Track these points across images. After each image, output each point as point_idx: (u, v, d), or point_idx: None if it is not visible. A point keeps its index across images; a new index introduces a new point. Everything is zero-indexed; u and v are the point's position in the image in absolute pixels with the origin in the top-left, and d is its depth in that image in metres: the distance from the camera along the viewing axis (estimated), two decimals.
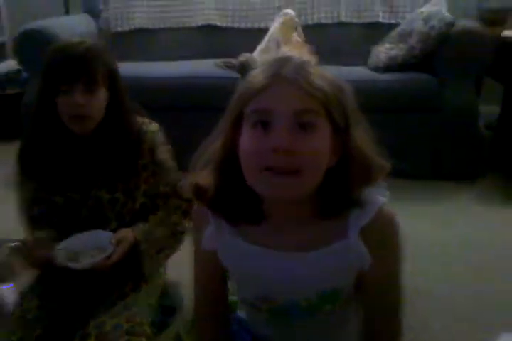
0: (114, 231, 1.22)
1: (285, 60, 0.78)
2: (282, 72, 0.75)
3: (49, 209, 1.25)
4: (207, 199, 0.83)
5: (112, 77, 1.20)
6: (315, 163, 0.74)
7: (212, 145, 0.82)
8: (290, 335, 0.95)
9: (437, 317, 1.35)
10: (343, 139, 0.77)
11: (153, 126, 1.29)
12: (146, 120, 1.30)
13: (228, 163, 0.79)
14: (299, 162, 0.72)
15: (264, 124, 0.74)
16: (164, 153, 1.29)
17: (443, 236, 1.81)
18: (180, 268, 1.54)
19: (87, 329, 1.13)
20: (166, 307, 1.33)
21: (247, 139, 0.75)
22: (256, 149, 0.74)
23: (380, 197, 0.82)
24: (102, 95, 1.17)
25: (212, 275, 0.95)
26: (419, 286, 1.45)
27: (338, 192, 0.78)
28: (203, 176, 0.82)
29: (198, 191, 0.83)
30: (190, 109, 2.40)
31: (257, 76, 0.77)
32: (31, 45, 2.34)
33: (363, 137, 0.79)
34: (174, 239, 1.30)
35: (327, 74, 0.78)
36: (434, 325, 1.32)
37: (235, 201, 0.81)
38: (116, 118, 1.21)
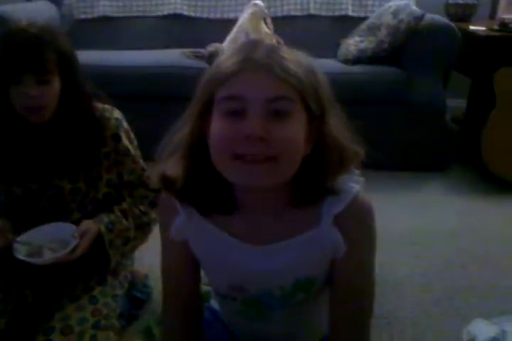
0: (76, 222, 1.17)
1: (256, 44, 0.75)
2: (254, 56, 0.71)
3: (7, 200, 1.19)
4: (175, 190, 0.79)
5: (66, 62, 1.12)
6: (290, 150, 0.71)
7: (179, 133, 0.78)
8: (263, 325, 0.93)
9: (409, 305, 1.36)
10: (317, 127, 0.75)
11: (117, 113, 1.24)
12: (109, 106, 1.24)
13: (197, 151, 0.76)
14: (273, 149, 0.70)
15: (235, 111, 0.70)
16: (128, 140, 1.24)
17: (413, 225, 1.83)
18: (149, 259, 1.52)
19: (52, 323, 1.09)
20: (135, 300, 1.29)
21: (218, 127, 0.72)
22: (228, 137, 0.70)
23: (354, 184, 0.80)
24: (55, 84, 1.10)
25: (183, 265, 0.91)
26: (390, 275, 1.46)
27: (312, 181, 0.76)
28: (171, 165, 0.79)
29: (166, 181, 0.79)
30: (158, 98, 2.34)
31: (226, 60, 0.73)
32: None
33: (338, 124, 0.77)
34: (141, 230, 1.26)
35: (301, 59, 0.74)
36: (406, 314, 1.32)
37: (205, 190, 0.78)
38: (73, 105, 1.14)
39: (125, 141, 1.22)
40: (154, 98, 2.35)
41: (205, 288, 1.24)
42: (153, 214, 1.26)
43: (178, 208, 0.83)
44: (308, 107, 0.73)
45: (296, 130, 0.72)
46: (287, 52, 0.74)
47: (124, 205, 1.23)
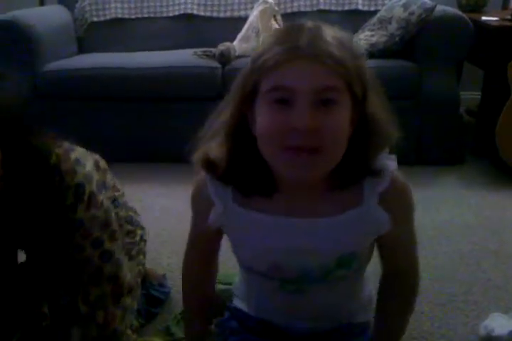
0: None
1: (299, 30, 0.73)
2: (298, 45, 0.70)
3: None
4: (218, 172, 0.81)
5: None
6: (337, 139, 0.72)
7: (221, 117, 0.79)
8: (299, 302, 0.94)
9: (426, 300, 1.36)
10: (360, 108, 0.75)
11: (80, 176, 0.97)
12: (71, 163, 0.97)
13: (239, 134, 0.77)
14: (321, 139, 0.70)
15: (282, 100, 0.71)
16: (88, 209, 1.00)
17: (428, 220, 1.82)
18: (167, 259, 1.55)
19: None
20: (153, 299, 1.31)
21: (266, 117, 0.72)
22: (276, 128, 0.71)
23: (390, 162, 0.82)
24: None
25: (206, 258, 0.98)
26: None
27: (355, 161, 0.77)
28: (213, 148, 0.80)
29: (209, 164, 0.81)
30: (171, 99, 2.36)
31: (270, 49, 0.71)
32: (6, 36, 2.29)
33: (378, 104, 0.78)
34: None
35: (343, 40, 0.74)
36: (422, 308, 1.32)
37: (247, 173, 0.79)
38: (22, 171, 0.93)
39: (81, 213, 0.99)
40: (167, 99, 2.37)
41: (222, 287, 1.26)
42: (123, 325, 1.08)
43: (212, 199, 0.85)
44: (353, 93, 0.73)
45: (342, 118, 0.72)
46: (330, 33, 0.73)
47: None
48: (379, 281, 0.96)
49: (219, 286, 1.29)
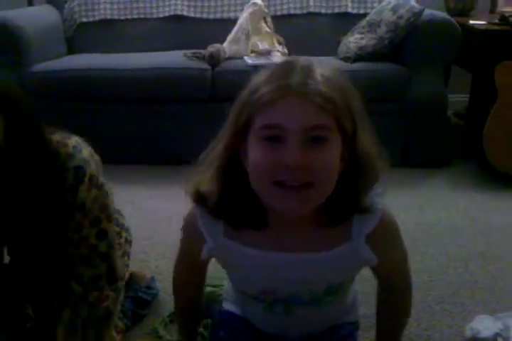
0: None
1: (291, 67, 0.76)
2: (290, 84, 0.73)
3: None
4: (209, 206, 0.83)
5: (9, 108, 0.95)
6: (327, 175, 0.74)
7: (214, 150, 0.81)
8: (288, 321, 0.97)
9: (414, 302, 1.36)
10: (350, 144, 0.77)
11: (79, 159, 1.02)
12: (70, 148, 1.02)
13: (231, 168, 0.79)
14: (311, 175, 0.73)
15: (274, 137, 0.73)
16: (87, 192, 1.03)
17: (416, 222, 1.83)
18: (154, 262, 1.54)
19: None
20: (140, 301, 1.31)
21: (257, 153, 0.74)
22: (268, 165, 0.73)
23: (378, 199, 0.83)
24: None
25: (196, 274, 1.01)
26: None
27: (345, 198, 0.79)
28: (205, 181, 0.82)
29: (200, 197, 0.83)
30: (161, 100, 2.35)
31: (262, 86, 0.75)
32: None
33: (368, 140, 0.79)
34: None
35: (333, 77, 0.76)
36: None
37: (238, 207, 0.81)
38: (23, 145, 0.97)
39: (82, 194, 1.02)
40: (157, 100, 2.36)
41: (209, 289, 1.26)
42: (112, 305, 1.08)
43: (203, 234, 0.87)
44: (344, 130, 0.75)
45: (332, 155, 0.75)
46: (321, 71, 0.76)
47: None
48: (376, 294, 1.01)
49: (206, 288, 1.29)
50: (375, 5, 2.59)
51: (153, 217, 1.87)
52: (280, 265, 0.85)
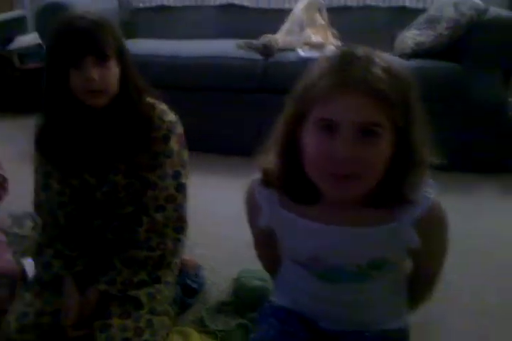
0: (128, 215, 1.21)
1: (351, 58, 0.78)
2: (349, 78, 0.75)
3: (63, 188, 1.21)
4: (272, 181, 0.90)
5: (122, 52, 1.15)
6: (376, 167, 0.79)
7: (275, 132, 0.87)
8: (333, 295, 0.99)
9: (462, 311, 1.34)
10: (402, 138, 0.79)
11: (172, 116, 1.23)
12: (164, 108, 1.23)
13: (289, 149, 0.85)
14: (359, 168, 0.77)
15: (329, 126, 0.77)
16: (177, 145, 1.22)
17: (468, 230, 1.75)
18: (199, 250, 1.56)
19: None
20: (188, 289, 1.33)
21: (313, 142, 0.80)
22: (322, 155, 0.79)
23: (429, 189, 0.86)
24: (114, 69, 1.12)
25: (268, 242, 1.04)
26: (446, 279, 1.44)
27: (391, 188, 0.82)
28: (269, 159, 0.89)
29: (265, 173, 0.91)
30: (213, 89, 2.37)
31: (321, 77, 0.77)
32: (53, 19, 2.31)
33: (421, 134, 0.81)
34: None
35: (392, 69, 0.78)
36: (456, 320, 1.31)
37: (296, 184, 0.87)
38: (131, 93, 1.16)
39: (173, 144, 1.21)
40: (207, 88, 2.38)
41: (259, 283, 1.27)
42: (170, 244, 1.22)
43: (259, 203, 0.94)
44: (396, 123, 0.78)
45: (382, 150, 0.78)
46: (380, 64, 0.77)
47: (142, 235, 1.19)
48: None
49: (255, 282, 1.30)
50: (434, 0, 2.53)
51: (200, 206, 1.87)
52: (328, 235, 0.91)
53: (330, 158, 0.77)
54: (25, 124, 2.41)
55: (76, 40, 1.08)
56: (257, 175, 0.94)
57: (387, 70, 0.77)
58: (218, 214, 1.77)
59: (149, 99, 1.22)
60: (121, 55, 1.15)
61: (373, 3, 2.67)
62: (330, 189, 0.82)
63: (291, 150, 0.85)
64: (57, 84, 1.12)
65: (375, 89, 0.74)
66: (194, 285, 1.35)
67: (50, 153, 1.20)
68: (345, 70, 0.76)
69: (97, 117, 1.16)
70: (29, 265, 1.31)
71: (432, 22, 2.28)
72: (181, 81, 2.34)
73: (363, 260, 0.92)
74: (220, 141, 2.42)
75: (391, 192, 0.83)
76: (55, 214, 1.22)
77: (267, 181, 0.92)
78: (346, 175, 0.78)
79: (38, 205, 1.25)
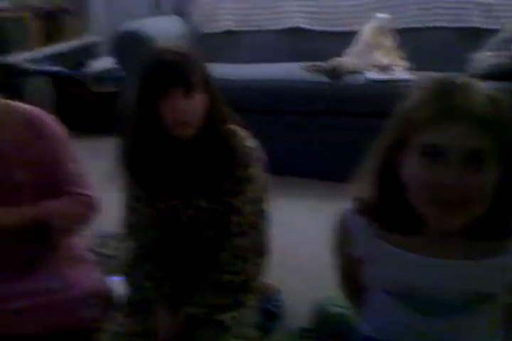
0: (211, 239, 1.24)
1: (451, 88, 0.78)
2: (452, 105, 0.76)
3: (151, 212, 1.25)
4: (368, 210, 0.89)
5: (209, 82, 1.19)
6: (483, 195, 0.77)
7: (371, 160, 0.87)
8: (427, 327, 0.94)
9: None
10: (506, 162, 0.78)
11: (252, 142, 1.26)
12: (245, 133, 1.26)
13: (386, 177, 0.84)
14: (468, 194, 0.76)
15: (434, 154, 0.77)
16: (257, 170, 1.25)
17: None
18: (276, 273, 1.55)
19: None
20: (268, 313, 1.33)
21: (416, 169, 0.79)
22: (427, 181, 0.78)
23: None
24: (201, 100, 1.16)
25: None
26: None
27: (498, 217, 0.80)
28: (364, 187, 0.88)
29: (360, 202, 0.89)
30: (281, 112, 2.39)
31: (423, 105, 0.78)
32: (129, 45, 2.42)
33: None
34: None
35: (495, 98, 0.77)
36: None
37: (393, 212, 0.86)
38: (217, 124, 1.20)
39: (254, 170, 1.23)
40: (274, 111, 2.41)
41: (340, 310, 1.25)
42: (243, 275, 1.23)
43: (355, 235, 0.92)
44: (503, 150, 0.77)
45: (489, 176, 0.77)
46: (482, 92, 0.77)
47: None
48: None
49: (337, 309, 1.29)
50: (504, 20, 2.48)
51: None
52: (428, 267, 0.88)
53: (437, 185, 0.76)
54: (99, 144, 2.51)
55: (164, 72, 1.13)
56: (349, 203, 0.92)
57: (488, 96, 0.77)
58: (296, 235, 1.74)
59: (231, 126, 1.25)
60: (207, 84, 1.18)
61: (441, 24, 2.64)
62: (435, 217, 0.80)
63: (389, 177, 0.84)
64: (146, 114, 1.17)
65: (479, 115, 0.75)
66: (274, 310, 1.34)
67: (140, 178, 1.24)
68: (449, 97, 0.77)
69: (183, 147, 1.20)
70: (116, 284, 1.35)
71: (508, 42, 2.23)
72: (252, 104, 2.38)
73: (465, 294, 0.89)
74: (292, 164, 2.43)
75: (497, 223, 0.81)
76: (145, 236, 1.25)
77: (362, 210, 0.90)
78: (453, 202, 0.77)
79: (128, 227, 1.29)
